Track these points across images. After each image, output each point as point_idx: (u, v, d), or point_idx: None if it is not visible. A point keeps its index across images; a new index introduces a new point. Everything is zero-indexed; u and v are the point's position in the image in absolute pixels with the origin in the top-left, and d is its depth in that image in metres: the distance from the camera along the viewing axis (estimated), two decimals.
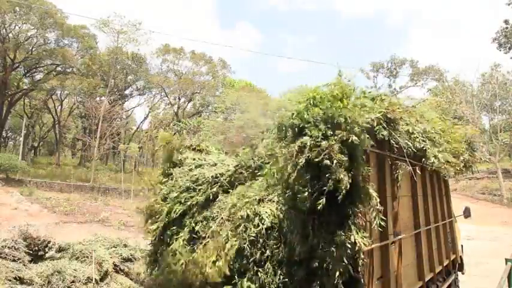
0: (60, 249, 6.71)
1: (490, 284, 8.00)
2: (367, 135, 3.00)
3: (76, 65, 37.88)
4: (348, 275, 2.76)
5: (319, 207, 2.63)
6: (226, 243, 3.21)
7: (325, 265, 2.67)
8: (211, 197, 3.89)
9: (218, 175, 4.04)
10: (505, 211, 24.70)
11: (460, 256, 6.93)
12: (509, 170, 33.18)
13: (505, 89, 32.50)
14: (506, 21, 29.08)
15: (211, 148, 5.23)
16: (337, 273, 2.67)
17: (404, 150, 3.83)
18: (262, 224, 3.16)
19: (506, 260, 5.82)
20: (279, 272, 2.96)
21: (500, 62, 35.51)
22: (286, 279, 2.92)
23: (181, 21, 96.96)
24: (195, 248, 3.49)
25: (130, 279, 6.62)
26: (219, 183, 3.96)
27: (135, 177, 35.47)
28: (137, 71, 45.21)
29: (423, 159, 3.96)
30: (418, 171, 4.44)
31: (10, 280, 5.14)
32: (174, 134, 39.51)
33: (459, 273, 6.85)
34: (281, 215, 3.12)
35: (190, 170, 4.41)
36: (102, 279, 6.08)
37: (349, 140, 2.68)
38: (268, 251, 3.07)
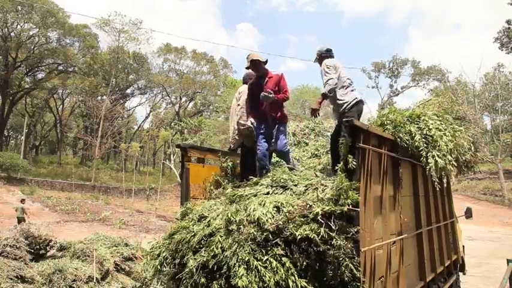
0: (62, 248, 6.72)
1: (492, 284, 7.99)
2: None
3: (77, 64, 37.97)
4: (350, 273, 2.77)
5: None
6: None
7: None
8: None
9: None
10: (506, 212, 24.65)
11: (462, 257, 6.90)
12: (510, 171, 33.11)
13: (507, 90, 32.42)
14: (508, 21, 28.98)
15: None
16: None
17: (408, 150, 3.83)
18: None
19: (508, 261, 5.81)
20: None
21: (502, 62, 35.37)
22: None
23: (182, 22, 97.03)
24: None
25: (132, 278, 6.63)
26: None
27: (136, 176, 35.52)
28: (138, 70, 45.27)
29: (423, 160, 3.94)
30: (419, 171, 4.44)
31: (12, 279, 5.15)
32: (175, 133, 39.67)
33: (460, 273, 6.84)
34: None
35: None
36: (103, 278, 6.08)
37: None
38: None
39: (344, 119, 3.44)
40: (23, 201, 16.90)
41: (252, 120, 4.43)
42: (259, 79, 4.51)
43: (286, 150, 4.41)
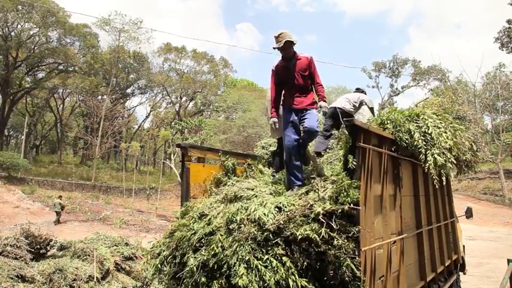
0: (62, 248, 6.73)
1: (492, 284, 7.99)
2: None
3: (78, 64, 37.97)
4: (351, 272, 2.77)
5: None
6: None
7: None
8: None
9: None
10: (506, 211, 24.62)
11: (462, 256, 6.90)
12: (511, 171, 33.08)
13: (508, 89, 32.40)
14: (509, 21, 28.95)
15: None
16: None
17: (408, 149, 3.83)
18: None
19: (508, 261, 5.79)
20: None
21: (502, 61, 35.29)
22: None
23: (183, 21, 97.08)
24: None
25: (132, 278, 6.63)
26: None
27: (137, 176, 35.53)
28: (139, 69, 45.27)
29: (422, 158, 3.93)
30: (420, 171, 4.44)
31: (12, 278, 5.16)
32: (176, 133, 39.65)
33: (461, 273, 6.84)
34: None
35: None
36: (103, 278, 6.09)
37: None
38: None
39: (344, 119, 3.48)
40: (60, 197, 19.15)
41: (275, 119, 4.09)
42: (286, 62, 4.10)
43: (316, 129, 3.93)
